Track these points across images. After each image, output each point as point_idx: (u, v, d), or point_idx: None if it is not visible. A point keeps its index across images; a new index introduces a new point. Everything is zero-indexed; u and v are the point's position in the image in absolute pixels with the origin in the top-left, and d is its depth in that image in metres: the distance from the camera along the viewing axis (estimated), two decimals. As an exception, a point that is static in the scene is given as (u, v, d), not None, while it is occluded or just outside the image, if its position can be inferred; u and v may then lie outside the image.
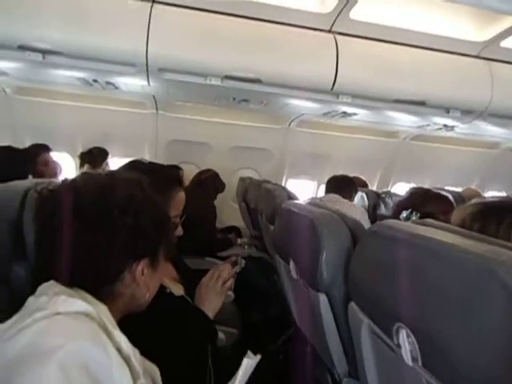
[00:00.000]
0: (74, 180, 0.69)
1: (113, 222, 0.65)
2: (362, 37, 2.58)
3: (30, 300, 0.60)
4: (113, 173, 0.77)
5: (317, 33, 2.50)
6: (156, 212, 0.74)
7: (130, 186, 0.72)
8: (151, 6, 2.21)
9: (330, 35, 2.51)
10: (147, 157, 3.85)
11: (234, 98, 2.93)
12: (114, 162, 3.34)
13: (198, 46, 2.27)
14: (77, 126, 3.57)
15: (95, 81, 2.67)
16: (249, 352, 0.94)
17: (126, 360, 0.58)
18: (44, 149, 2.66)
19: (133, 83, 2.70)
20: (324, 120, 3.59)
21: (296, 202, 1.34)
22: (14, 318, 0.55)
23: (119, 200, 0.67)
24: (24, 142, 3.27)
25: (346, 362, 1.06)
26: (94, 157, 3.19)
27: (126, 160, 1.25)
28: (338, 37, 2.52)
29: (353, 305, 0.85)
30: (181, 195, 1.14)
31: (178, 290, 1.16)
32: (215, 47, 2.29)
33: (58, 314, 0.53)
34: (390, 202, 2.87)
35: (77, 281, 0.64)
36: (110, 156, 3.29)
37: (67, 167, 3.41)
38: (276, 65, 2.39)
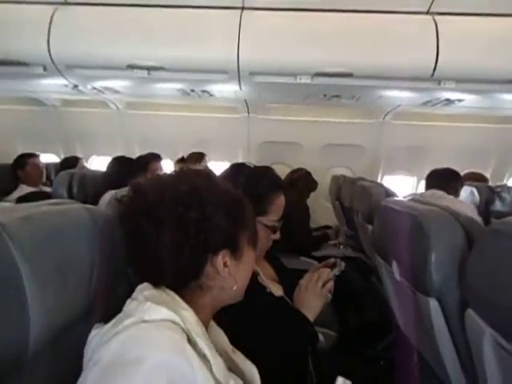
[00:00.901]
0: (142, 182, 0.70)
1: (179, 218, 0.64)
2: (465, 13, 2.32)
3: (127, 302, 0.62)
4: (179, 170, 0.76)
5: (413, 16, 2.32)
6: (227, 201, 0.71)
7: (193, 179, 0.70)
8: (241, 13, 2.28)
9: (429, 17, 2.30)
10: (240, 159, 3.99)
11: (325, 95, 2.87)
12: (212, 166, 3.53)
13: (287, 45, 2.28)
14: (177, 134, 3.87)
15: (192, 90, 2.86)
16: (340, 378, 0.90)
17: (209, 368, 0.57)
18: (154, 158, 2.93)
19: (226, 89, 2.82)
20: (423, 110, 3.31)
21: (397, 198, 1.25)
22: (114, 319, 0.58)
23: (182, 195, 0.66)
24: (135, 152, 3.65)
25: (464, 376, 0.95)
26: (188, 160, 3.43)
27: (221, 163, 1.30)
28: (438, 17, 2.30)
29: (471, 312, 0.76)
30: (281, 199, 1.15)
31: (277, 290, 1.16)
32: (304, 45, 2.27)
33: (144, 321, 0.54)
34: (508, 197, 2.53)
35: (163, 280, 0.65)
36: (206, 158, 3.49)
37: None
38: (368, 56, 2.28)
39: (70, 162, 3.41)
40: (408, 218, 0.97)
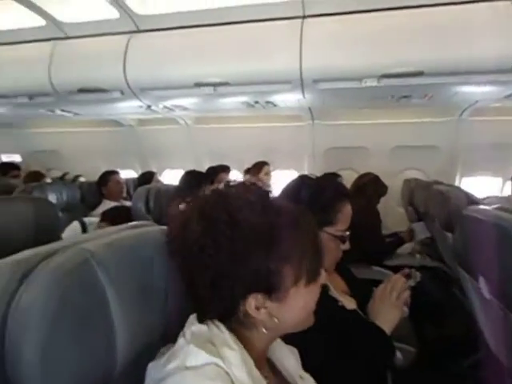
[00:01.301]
0: (177, 211, 0.67)
1: (194, 260, 0.59)
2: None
3: (180, 335, 0.60)
4: (206, 198, 0.65)
5: (489, 4, 2.13)
6: (257, 238, 0.59)
7: (209, 215, 0.60)
8: (302, 22, 2.28)
9: (507, 2, 2.10)
10: (306, 167, 3.96)
11: (393, 96, 2.74)
12: (278, 175, 3.55)
13: (350, 49, 2.23)
14: (243, 145, 3.96)
15: (256, 102, 2.91)
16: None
17: None
18: (223, 169, 3.04)
19: (289, 99, 2.83)
20: (506, 104, 3.01)
21: (482, 207, 1.14)
22: (167, 354, 0.58)
23: (198, 235, 0.59)
24: (204, 165, 3.81)
25: None
26: (252, 170, 3.49)
27: (287, 172, 1.29)
28: (520, 1, 2.08)
29: None
30: (348, 208, 1.12)
31: (349, 303, 1.13)
32: (368, 47, 2.20)
33: (187, 368, 0.53)
34: None
35: (206, 314, 0.62)
36: (269, 167, 3.52)
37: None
38: (440, 52, 2.13)
39: (146, 177, 3.65)
40: (497, 230, 0.88)
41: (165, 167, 4.48)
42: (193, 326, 0.60)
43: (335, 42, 2.25)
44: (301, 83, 2.41)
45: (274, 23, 2.35)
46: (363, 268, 2.58)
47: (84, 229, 2.22)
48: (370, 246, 2.76)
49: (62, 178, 4.01)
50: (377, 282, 1.19)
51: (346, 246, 1.13)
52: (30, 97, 2.92)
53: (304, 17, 2.31)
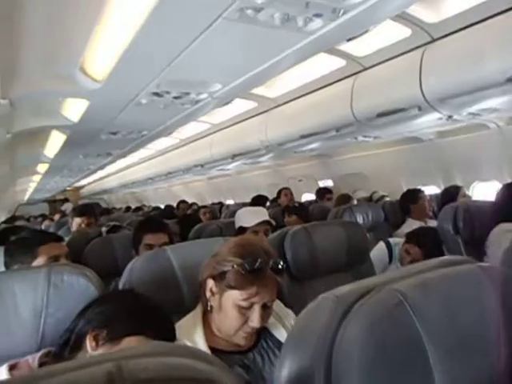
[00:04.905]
0: None
1: None
2: None
3: None
4: None
5: None
6: None
7: None
8: None
9: None
10: None
11: None
12: None
13: None
14: None
15: None
16: None
17: None
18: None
19: None
20: None
21: None
22: None
23: None
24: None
25: None
26: None
27: None
28: None
29: None
30: None
31: None
32: None
33: None
34: None
35: None
36: None
37: None
38: None
39: (451, 193, 3.35)
40: None
41: (472, 180, 3.96)
42: None
43: None
44: None
45: None
46: None
47: (389, 249, 2.26)
48: None
49: (370, 197, 4.31)
50: None
51: None
52: (337, 130, 3.33)
53: None
